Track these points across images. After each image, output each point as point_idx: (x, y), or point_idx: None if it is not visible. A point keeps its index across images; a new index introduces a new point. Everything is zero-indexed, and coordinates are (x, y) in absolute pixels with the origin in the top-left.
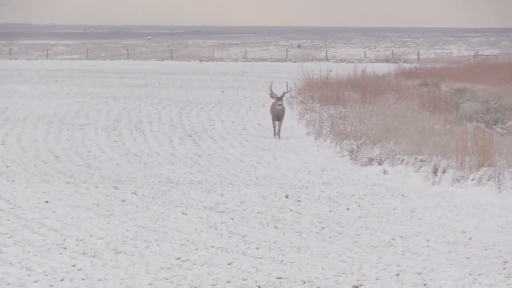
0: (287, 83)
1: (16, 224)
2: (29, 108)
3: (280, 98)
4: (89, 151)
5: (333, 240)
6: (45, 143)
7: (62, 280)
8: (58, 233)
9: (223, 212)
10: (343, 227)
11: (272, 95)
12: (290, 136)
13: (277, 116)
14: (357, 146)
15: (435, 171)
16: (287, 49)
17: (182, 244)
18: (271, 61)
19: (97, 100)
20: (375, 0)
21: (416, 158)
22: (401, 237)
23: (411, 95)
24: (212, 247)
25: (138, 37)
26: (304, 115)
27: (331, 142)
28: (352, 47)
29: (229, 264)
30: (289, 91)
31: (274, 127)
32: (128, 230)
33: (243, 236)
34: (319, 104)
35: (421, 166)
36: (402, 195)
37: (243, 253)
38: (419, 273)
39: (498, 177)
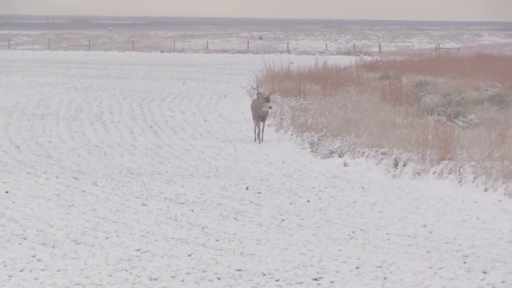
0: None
1: None
2: None
3: (268, 99)
4: (50, 142)
5: (293, 233)
6: (6, 133)
7: (22, 270)
8: (18, 224)
9: (183, 203)
10: (303, 219)
11: (259, 95)
12: (251, 129)
13: (262, 117)
14: (318, 139)
15: (395, 164)
16: (248, 41)
17: (142, 236)
18: (233, 53)
19: (59, 91)
20: None
21: (377, 151)
22: (362, 230)
23: (372, 87)
24: (172, 238)
25: (100, 28)
26: None
27: (292, 134)
28: (313, 39)
29: (189, 255)
30: (274, 92)
31: (257, 127)
32: (88, 221)
33: (203, 228)
34: (280, 96)
35: (382, 159)
36: (363, 187)
37: (203, 245)
38: (380, 266)
39: (459, 170)
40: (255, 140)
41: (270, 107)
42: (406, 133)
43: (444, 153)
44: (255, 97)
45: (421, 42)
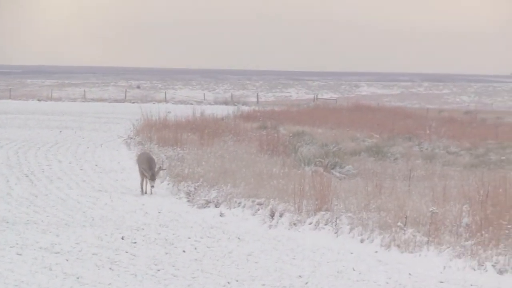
0: (163, 162)
1: None
2: None
3: (153, 177)
4: None
5: (168, 283)
6: None
7: None
8: None
9: (58, 253)
10: (178, 269)
11: (146, 171)
12: (128, 178)
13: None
14: (194, 188)
15: (272, 215)
16: (126, 90)
17: (16, 285)
18: (110, 102)
19: None
20: (215, 42)
21: (253, 201)
22: (237, 281)
23: (250, 138)
24: None
25: None
26: None
27: (168, 184)
28: (191, 89)
29: None
30: (164, 169)
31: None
32: None
33: (78, 278)
34: (157, 145)
35: (258, 210)
36: (239, 238)
37: None
38: None
39: (336, 221)
40: (142, 193)
41: (153, 186)
42: (283, 183)
43: (321, 204)
44: (137, 150)
45: (299, 92)
